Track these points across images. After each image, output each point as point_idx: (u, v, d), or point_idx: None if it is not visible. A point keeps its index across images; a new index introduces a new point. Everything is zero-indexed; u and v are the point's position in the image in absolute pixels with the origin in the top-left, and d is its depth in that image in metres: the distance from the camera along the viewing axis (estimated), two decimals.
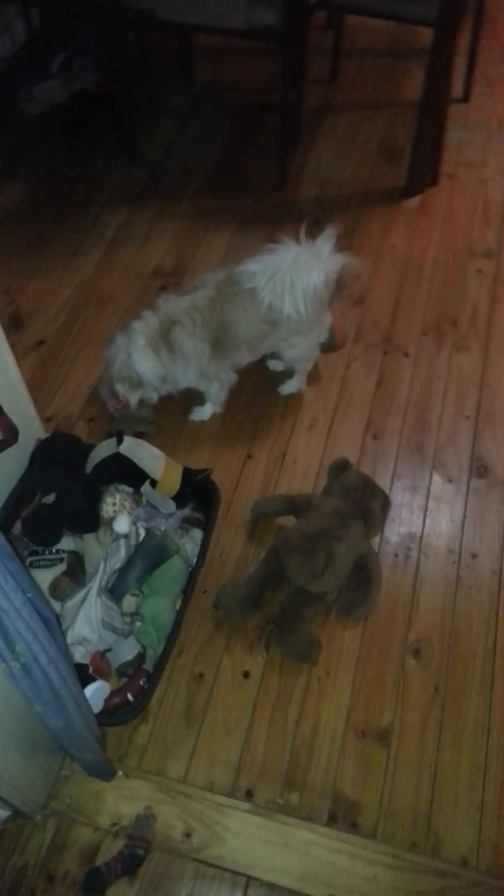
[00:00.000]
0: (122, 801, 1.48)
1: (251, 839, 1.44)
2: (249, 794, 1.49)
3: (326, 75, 3.07)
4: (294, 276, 1.62)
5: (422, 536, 1.83)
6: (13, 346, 2.21)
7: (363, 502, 1.74)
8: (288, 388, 2.07)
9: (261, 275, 1.66)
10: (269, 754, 1.53)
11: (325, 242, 1.67)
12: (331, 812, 1.47)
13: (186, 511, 1.72)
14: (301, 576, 1.62)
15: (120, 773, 1.51)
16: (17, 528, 1.60)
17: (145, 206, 2.65)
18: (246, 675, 1.62)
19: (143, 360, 1.75)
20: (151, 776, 1.51)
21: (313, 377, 2.14)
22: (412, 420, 2.06)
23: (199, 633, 1.68)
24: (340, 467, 1.84)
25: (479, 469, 1.95)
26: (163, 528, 1.65)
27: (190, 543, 1.69)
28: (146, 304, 1.90)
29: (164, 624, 1.53)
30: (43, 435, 1.80)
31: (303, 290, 1.65)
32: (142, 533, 1.62)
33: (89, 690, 1.41)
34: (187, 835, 1.44)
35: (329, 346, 2.15)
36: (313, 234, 1.71)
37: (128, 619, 1.52)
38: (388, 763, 1.52)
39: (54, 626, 1.08)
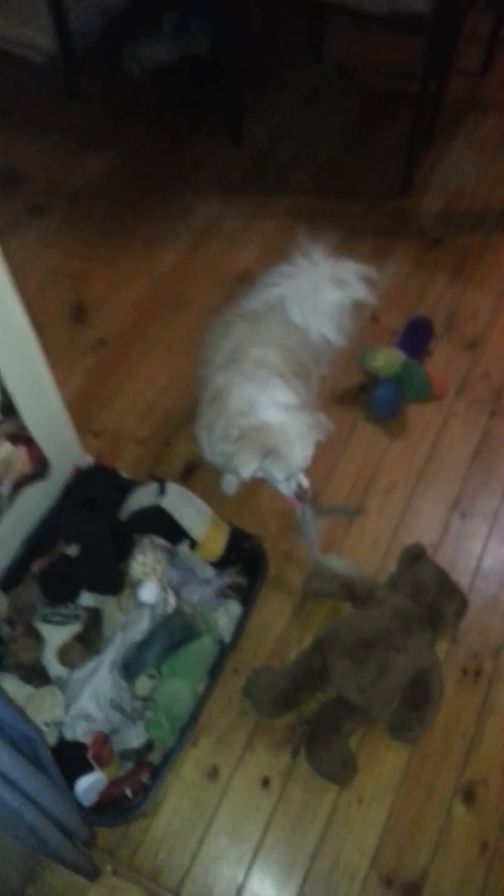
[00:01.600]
0: None
1: None
2: None
3: (477, 67, 2.82)
4: (316, 299, 1.56)
5: (500, 652, 1.65)
6: (71, 343, 2.16)
7: (436, 605, 1.57)
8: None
9: (290, 301, 1.56)
10: (277, 882, 1.41)
11: (347, 267, 1.59)
12: None
13: (227, 579, 1.59)
14: (346, 686, 1.48)
15: (108, 867, 1.42)
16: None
17: (243, 196, 2.51)
18: (265, 782, 1.50)
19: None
20: (142, 879, 1.41)
21: (400, 430, 1.97)
22: None
23: (221, 719, 1.56)
24: (414, 556, 1.67)
25: None
26: (196, 599, 1.53)
27: (225, 618, 1.56)
28: None
29: (179, 715, 1.42)
30: (82, 459, 1.71)
31: (327, 314, 1.57)
32: (171, 602, 1.51)
33: (83, 784, 1.32)
34: None
35: (423, 395, 1.96)
36: (336, 253, 1.63)
37: (139, 703, 1.42)
38: None
39: (36, 743, 0.99)
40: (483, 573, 1.74)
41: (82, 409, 1.98)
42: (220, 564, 1.61)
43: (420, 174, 2.52)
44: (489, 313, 2.20)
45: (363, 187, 2.51)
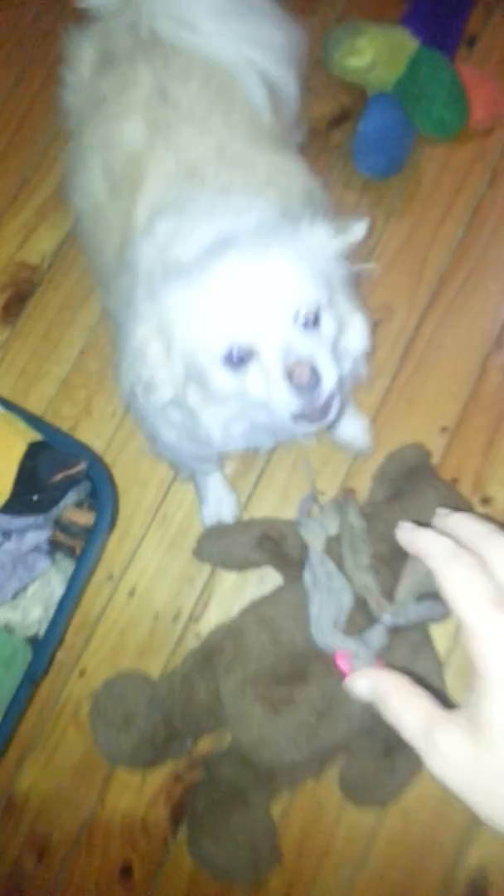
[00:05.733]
0: None
1: None
2: None
3: None
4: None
5: None
6: None
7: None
8: None
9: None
10: None
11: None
12: None
13: (43, 533, 0.91)
14: (256, 745, 0.85)
15: None
16: None
17: None
18: (126, 871, 0.95)
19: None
20: None
21: (406, 199, 1.13)
22: None
23: (58, 752, 1.00)
24: (409, 467, 0.97)
25: None
26: None
27: (46, 592, 0.91)
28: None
29: None
30: None
31: None
32: None
33: None
34: None
35: (453, 126, 1.06)
36: None
37: None
38: None
39: None
40: None
41: None
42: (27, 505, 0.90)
43: None
44: None
45: None
